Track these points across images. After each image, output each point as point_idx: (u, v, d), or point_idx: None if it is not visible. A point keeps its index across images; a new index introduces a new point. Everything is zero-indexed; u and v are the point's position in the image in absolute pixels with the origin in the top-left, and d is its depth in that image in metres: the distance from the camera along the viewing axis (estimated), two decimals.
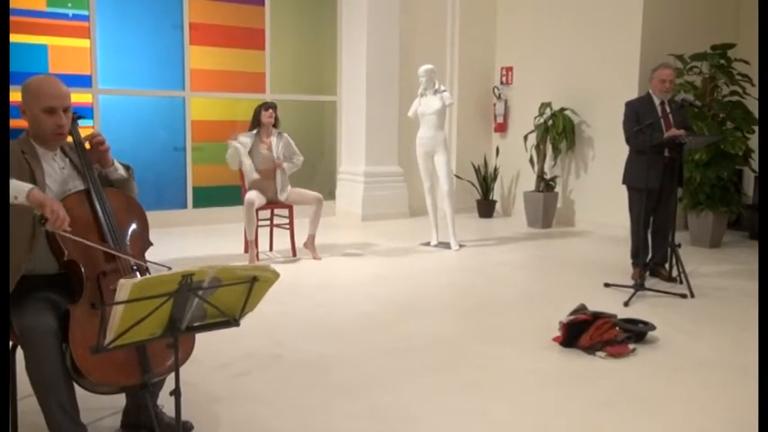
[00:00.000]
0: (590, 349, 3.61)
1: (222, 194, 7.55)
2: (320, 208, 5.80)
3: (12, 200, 2.21)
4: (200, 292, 1.98)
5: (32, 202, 2.23)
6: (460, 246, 6.50)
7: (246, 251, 5.79)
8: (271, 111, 5.73)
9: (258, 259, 5.76)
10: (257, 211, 5.72)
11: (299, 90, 8.17)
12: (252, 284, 2.07)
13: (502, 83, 8.66)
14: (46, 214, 2.23)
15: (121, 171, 2.70)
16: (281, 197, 5.72)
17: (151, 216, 2.76)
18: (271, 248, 6.24)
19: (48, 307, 2.29)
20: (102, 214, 2.50)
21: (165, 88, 7.37)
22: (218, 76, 7.63)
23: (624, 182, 5.26)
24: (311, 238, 5.87)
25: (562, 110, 7.68)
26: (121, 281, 1.84)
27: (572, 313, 3.82)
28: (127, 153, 7.08)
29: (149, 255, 2.61)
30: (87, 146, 2.61)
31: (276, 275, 2.12)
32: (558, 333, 3.78)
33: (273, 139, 5.73)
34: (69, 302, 2.36)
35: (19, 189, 2.23)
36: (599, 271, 5.49)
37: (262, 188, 5.74)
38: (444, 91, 6.40)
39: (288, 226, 5.98)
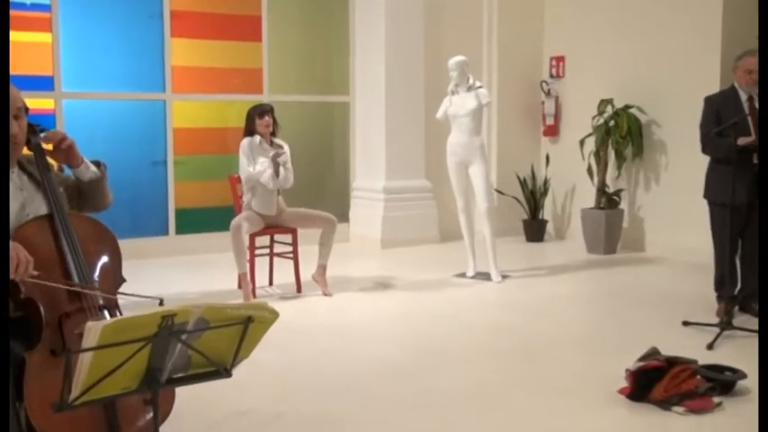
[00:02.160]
0: (665, 403, 3.59)
1: (211, 218, 7.63)
2: (333, 232, 5.85)
3: None
4: (184, 337, 2.01)
5: None
6: (503, 277, 6.51)
7: (240, 287, 5.82)
8: (267, 118, 5.79)
9: (254, 296, 5.79)
10: (252, 236, 5.76)
11: (304, 90, 8.28)
12: (246, 326, 2.09)
13: (551, 76, 8.71)
14: (11, 264, 2.29)
15: (93, 169, 2.80)
16: (272, 212, 5.79)
17: (125, 245, 2.81)
18: (270, 283, 6.28)
19: None
20: (67, 245, 2.54)
21: (142, 90, 7.49)
22: (205, 74, 7.78)
23: (705, 196, 5.24)
24: (321, 268, 5.91)
25: (626, 108, 7.69)
26: (89, 323, 1.87)
27: (642, 359, 3.80)
28: None
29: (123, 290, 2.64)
30: (48, 146, 2.70)
31: (275, 315, 2.15)
32: (624, 384, 3.76)
33: (271, 153, 5.80)
34: (25, 349, 2.38)
35: None
36: (675, 306, 5.47)
37: (261, 206, 5.80)
38: (480, 87, 6.45)
39: (291, 255, 6.01)
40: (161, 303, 2.32)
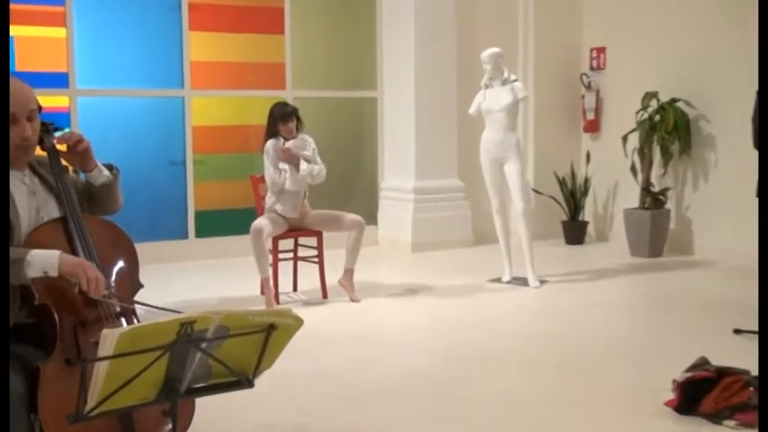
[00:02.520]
0: (715, 416, 3.55)
1: (233, 220, 7.67)
2: (361, 234, 5.87)
3: (39, 274, 2.38)
4: (204, 345, 2.02)
5: (66, 274, 2.40)
6: (541, 282, 6.51)
7: (263, 293, 5.86)
8: (290, 124, 5.82)
9: (278, 302, 5.84)
10: (276, 240, 5.81)
11: (329, 85, 8.29)
12: (268, 334, 2.10)
13: (592, 68, 8.68)
14: (82, 284, 2.40)
15: (106, 173, 2.84)
16: (295, 214, 5.82)
17: (142, 249, 2.84)
18: (294, 288, 6.33)
19: (13, 365, 2.30)
20: (82, 249, 2.57)
21: (160, 86, 7.55)
22: (225, 69, 7.82)
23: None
24: (349, 273, 5.93)
25: (673, 101, 7.64)
26: (105, 331, 1.88)
27: (690, 369, 3.77)
28: None
29: (140, 298, 2.67)
30: (62, 147, 2.73)
31: (299, 322, 2.15)
32: (671, 395, 3.73)
33: (291, 144, 5.83)
34: (40, 358, 2.40)
35: (45, 261, 2.39)
36: (726, 313, 5.43)
37: (284, 208, 5.84)
38: (516, 80, 6.46)
39: (316, 259, 6.03)
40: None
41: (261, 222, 5.71)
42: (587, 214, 8.63)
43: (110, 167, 2.87)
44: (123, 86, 7.40)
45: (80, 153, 2.73)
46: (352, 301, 5.89)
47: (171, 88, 7.58)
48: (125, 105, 7.42)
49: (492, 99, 6.41)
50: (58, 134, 2.76)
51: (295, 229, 5.95)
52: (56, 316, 2.44)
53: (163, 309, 2.41)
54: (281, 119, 5.79)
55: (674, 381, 3.72)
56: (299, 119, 5.89)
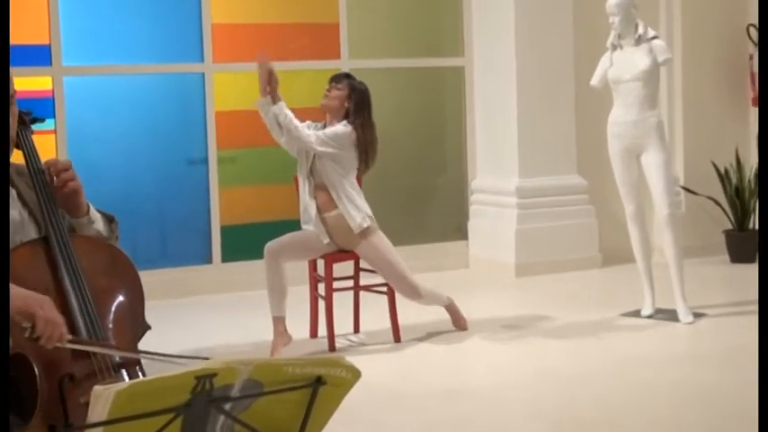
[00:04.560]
0: None
1: (270, 237, 7.47)
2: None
3: None
4: (228, 406, 2.03)
5: (16, 314, 2.36)
6: (696, 316, 6.42)
7: (314, 335, 5.99)
8: (335, 89, 5.97)
9: (333, 349, 5.89)
10: (330, 262, 5.93)
11: (398, 52, 8.30)
12: (315, 390, 2.10)
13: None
14: (37, 328, 2.37)
15: (99, 225, 2.82)
16: (323, 239, 5.90)
17: (149, 279, 2.91)
18: (356, 329, 6.33)
19: None
20: (69, 279, 2.59)
21: (171, 60, 7.59)
22: (258, 33, 7.84)
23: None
24: (447, 299, 6.16)
25: None
26: (97, 388, 1.90)
27: None
28: (109, 174, 7.28)
29: (147, 345, 2.67)
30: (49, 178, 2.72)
31: (356, 375, 2.15)
32: None
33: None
34: (18, 422, 2.41)
35: None
36: None
37: (307, 223, 5.96)
38: (655, 38, 6.41)
39: (385, 288, 6.07)
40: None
41: (280, 243, 5.90)
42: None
43: (109, 219, 2.86)
44: (122, 62, 7.41)
45: (68, 194, 2.70)
46: (459, 329, 6.12)
47: (186, 62, 7.60)
48: (125, 86, 7.44)
49: (622, 64, 6.34)
50: (36, 126, 2.82)
51: (343, 251, 6.03)
52: (36, 369, 2.44)
53: (175, 357, 2.44)
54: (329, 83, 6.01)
55: None
56: (350, 94, 5.99)
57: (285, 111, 5.82)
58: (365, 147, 5.91)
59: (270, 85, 5.85)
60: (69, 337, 2.44)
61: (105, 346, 2.56)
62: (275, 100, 5.83)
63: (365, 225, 5.83)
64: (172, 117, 7.68)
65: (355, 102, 5.95)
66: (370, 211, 5.91)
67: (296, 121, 5.83)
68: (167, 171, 7.66)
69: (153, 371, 2.10)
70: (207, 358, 2.28)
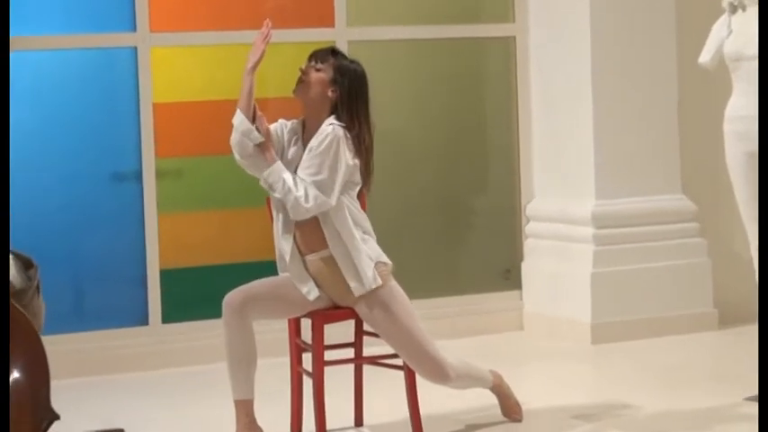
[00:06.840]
0: None
1: (233, 286, 6.96)
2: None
3: None
4: None
5: None
6: None
7: (297, 430, 5.35)
8: (313, 70, 5.22)
9: None
10: (316, 322, 5.17)
11: (417, 17, 7.56)
12: None
13: None
14: None
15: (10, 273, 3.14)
16: (309, 295, 5.17)
17: (59, 349, 3.35)
18: (358, 421, 5.64)
19: None
20: None
21: (89, 30, 6.89)
22: None
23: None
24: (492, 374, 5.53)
25: None
26: None
27: None
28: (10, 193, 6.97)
29: None
30: None
31: None
32: None
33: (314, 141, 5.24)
34: None
35: None
36: None
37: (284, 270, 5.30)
38: None
39: (400, 361, 5.34)
40: None
41: (245, 291, 5.15)
42: None
43: (26, 263, 3.19)
44: (27, 32, 6.61)
45: None
46: (512, 419, 5.51)
47: (111, 31, 6.89)
48: (32, 66, 6.71)
49: (744, 32, 5.69)
50: None
51: (342, 307, 5.31)
52: None
53: None
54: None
55: None
56: (336, 77, 5.23)
57: (283, 175, 5.05)
58: (366, 156, 5.19)
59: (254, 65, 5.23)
60: None
61: None
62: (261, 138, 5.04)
63: (379, 282, 5.06)
64: (90, 112, 6.81)
65: (345, 90, 5.16)
66: (384, 255, 5.15)
67: (295, 190, 5.03)
68: (84, 191, 6.79)
69: None
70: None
